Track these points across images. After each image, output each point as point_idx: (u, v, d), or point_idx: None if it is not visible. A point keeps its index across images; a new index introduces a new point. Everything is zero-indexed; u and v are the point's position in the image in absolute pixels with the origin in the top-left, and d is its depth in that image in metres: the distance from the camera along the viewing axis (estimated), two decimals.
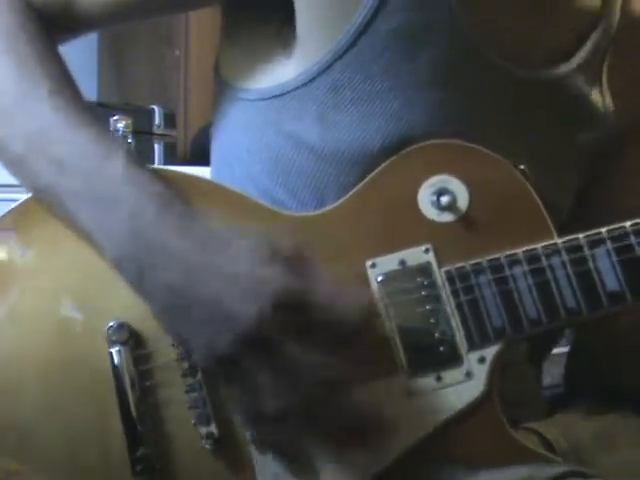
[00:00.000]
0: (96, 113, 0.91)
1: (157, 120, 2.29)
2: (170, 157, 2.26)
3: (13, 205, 0.94)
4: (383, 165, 0.91)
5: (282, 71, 0.96)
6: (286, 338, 0.79)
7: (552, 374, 1.15)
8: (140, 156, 0.89)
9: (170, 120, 2.32)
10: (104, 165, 0.86)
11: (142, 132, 2.23)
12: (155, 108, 2.31)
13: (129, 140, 2.13)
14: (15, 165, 0.90)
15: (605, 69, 1.02)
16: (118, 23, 1.04)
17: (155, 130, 2.28)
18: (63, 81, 0.91)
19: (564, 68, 0.98)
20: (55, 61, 0.93)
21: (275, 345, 0.79)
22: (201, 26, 2.42)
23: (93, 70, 2.72)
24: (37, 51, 0.91)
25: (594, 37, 1.00)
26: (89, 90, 2.60)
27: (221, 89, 1.03)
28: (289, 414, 0.80)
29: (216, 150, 1.06)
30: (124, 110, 2.23)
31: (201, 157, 2.20)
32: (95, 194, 0.85)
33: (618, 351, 1.06)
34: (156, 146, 2.27)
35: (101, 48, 2.76)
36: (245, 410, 0.83)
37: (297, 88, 0.94)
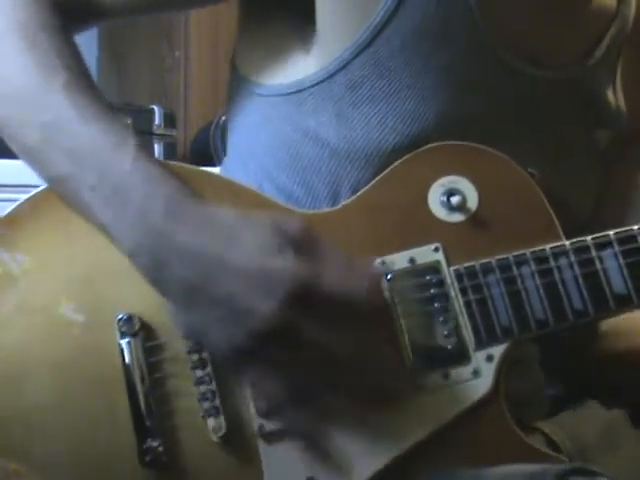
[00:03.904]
0: (109, 106, 0.92)
1: (157, 120, 2.29)
2: (170, 157, 2.25)
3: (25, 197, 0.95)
4: (394, 165, 0.92)
5: (300, 67, 0.97)
6: (302, 327, 0.79)
7: None
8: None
9: (170, 120, 2.31)
10: (114, 157, 0.86)
11: (142, 132, 2.23)
12: (155, 108, 2.30)
13: None
14: (30, 155, 0.91)
15: (619, 68, 1.03)
16: (132, 14, 1.04)
17: (155, 130, 2.27)
18: (79, 73, 0.92)
19: (580, 67, 0.99)
20: (72, 53, 0.93)
21: (292, 335, 0.79)
22: (201, 26, 2.42)
23: (93, 70, 2.69)
24: (55, 44, 0.92)
25: (609, 36, 1.01)
26: None
27: (238, 84, 1.04)
28: (310, 402, 0.81)
29: (231, 145, 1.06)
30: (124, 110, 2.22)
31: (201, 157, 2.21)
32: (106, 186, 0.85)
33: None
34: (156, 146, 2.26)
35: (101, 48, 2.75)
36: (267, 402, 0.84)
37: (315, 85, 0.95)
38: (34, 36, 0.92)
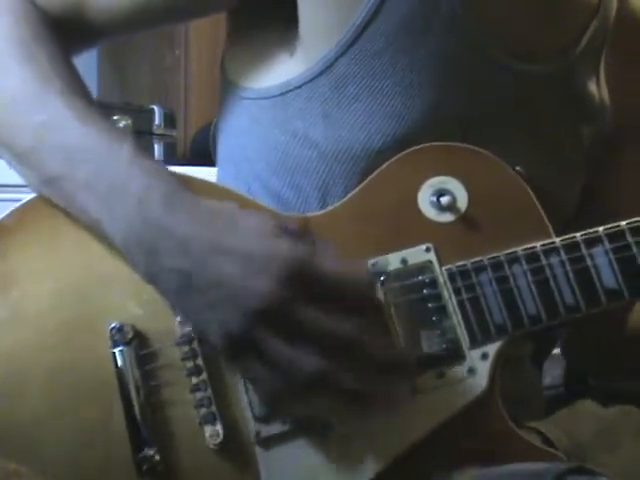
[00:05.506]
0: (102, 110, 0.93)
1: (157, 120, 2.30)
2: (170, 157, 2.27)
3: (17, 204, 0.95)
4: (383, 166, 0.92)
5: (286, 69, 0.97)
6: (298, 309, 0.79)
7: (552, 374, 1.16)
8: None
9: (170, 120, 2.32)
10: (112, 153, 0.87)
11: (142, 132, 2.24)
12: (155, 108, 2.31)
13: None
14: (22, 158, 0.92)
15: (602, 62, 1.03)
16: (129, 32, 1.05)
17: (155, 130, 2.29)
18: (73, 81, 0.94)
19: (564, 60, 0.99)
20: (66, 63, 0.96)
21: (288, 316, 0.79)
22: (201, 26, 2.42)
23: (93, 70, 2.72)
24: (49, 55, 0.94)
25: (592, 29, 1.01)
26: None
27: (226, 88, 1.05)
28: (312, 383, 0.80)
29: (221, 149, 1.07)
30: (124, 110, 2.23)
31: (201, 157, 2.21)
32: (104, 181, 0.86)
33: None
34: (156, 146, 2.28)
35: (101, 48, 2.75)
36: (267, 387, 0.83)
37: (301, 86, 0.95)
38: (31, 50, 0.94)
